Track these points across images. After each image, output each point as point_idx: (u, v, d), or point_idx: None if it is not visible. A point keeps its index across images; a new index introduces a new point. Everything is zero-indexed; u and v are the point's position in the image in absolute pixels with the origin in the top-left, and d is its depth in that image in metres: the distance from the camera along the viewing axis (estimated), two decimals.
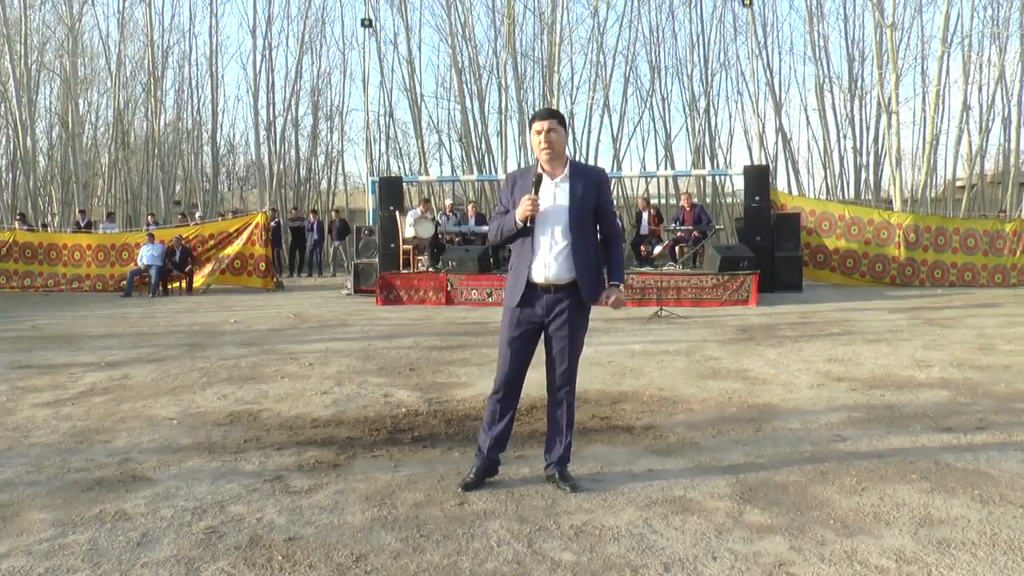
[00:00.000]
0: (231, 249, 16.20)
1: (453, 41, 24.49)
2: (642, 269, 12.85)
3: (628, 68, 25.42)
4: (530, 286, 3.42)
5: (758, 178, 13.75)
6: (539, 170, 3.41)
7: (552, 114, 3.45)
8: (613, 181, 24.76)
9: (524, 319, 3.44)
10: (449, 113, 27.62)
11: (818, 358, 6.67)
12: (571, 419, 3.52)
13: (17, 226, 18.08)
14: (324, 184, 28.69)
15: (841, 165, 24.15)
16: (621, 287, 3.53)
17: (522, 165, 23.47)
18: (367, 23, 19.50)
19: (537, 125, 3.41)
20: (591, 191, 3.43)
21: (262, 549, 2.86)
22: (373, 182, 16.01)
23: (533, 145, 3.44)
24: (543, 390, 3.62)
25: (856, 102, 23.73)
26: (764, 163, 20.29)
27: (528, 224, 3.37)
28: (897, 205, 18.44)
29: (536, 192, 3.35)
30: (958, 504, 3.20)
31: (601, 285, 3.51)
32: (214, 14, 25.90)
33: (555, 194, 3.41)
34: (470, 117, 24.66)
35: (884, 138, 20.91)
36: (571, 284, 3.41)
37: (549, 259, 3.39)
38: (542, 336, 3.50)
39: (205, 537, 2.98)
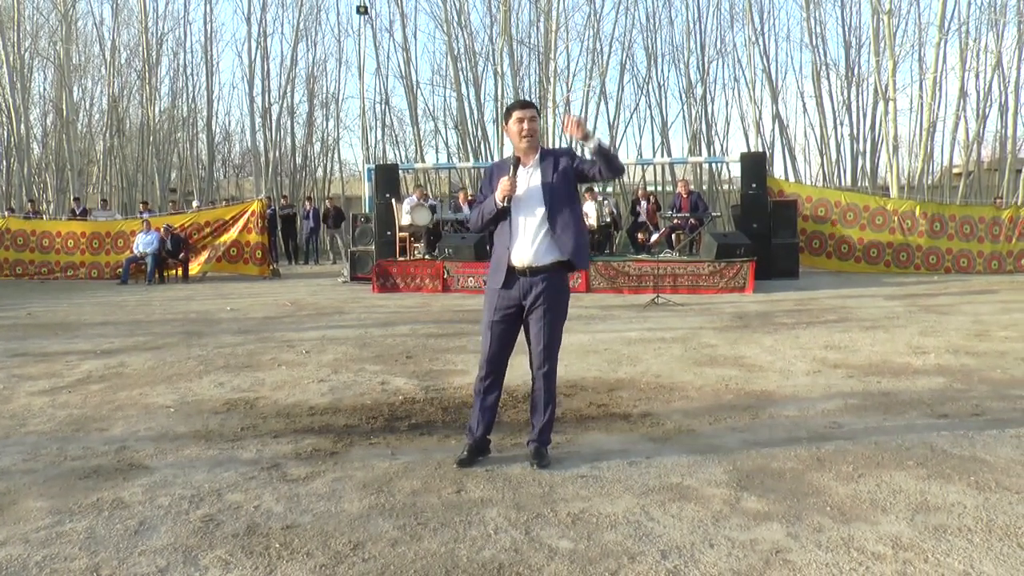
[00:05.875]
0: (227, 237, 16.17)
1: (449, 28, 24.37)
2: (639, 256, 12.84)
3: (624, 55, 25.42)
4: (509, 269, 3.54)
5: (755, 165, 13.74)
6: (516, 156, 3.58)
7: (531, 104, 3.65)
8: None
9: (503, 303, 3.56)
10: (445, 100, 27.60)
11: (815, 345, 6.68)
12: (550, 399, 3.60)
13: (8, 214, 18.00)
14: (320, 172, 28.63)
15: (838, 152, 24.17)
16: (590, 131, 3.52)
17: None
18: (363, 10, 19.37)
19: (519, 113, 3.56)
20: (561, 163, 3.56)
21: (260, 537, 2.86)
22: (369, 170, 15.98)
23: (513, 133, 3.57)
24: None
25: (853, 89, 23.70)
26: (761, 150, 20.26)
27: (506, 204, 3.49)
28: (894, 192, 18.44)
29: (515, 174, 3.49)
30: (954, 490, 3.21)
31: (588, 253, 3.69)
32: (208, 1, 25.73)
33: (530, 180, 3.55)
34: (466, 104, 24.61)
35: (881, 125, 20.88)
36: (549, 267, 3.52)
37: (527, 242, 3.51)
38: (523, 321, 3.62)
39: (202, 525, 2.98)
